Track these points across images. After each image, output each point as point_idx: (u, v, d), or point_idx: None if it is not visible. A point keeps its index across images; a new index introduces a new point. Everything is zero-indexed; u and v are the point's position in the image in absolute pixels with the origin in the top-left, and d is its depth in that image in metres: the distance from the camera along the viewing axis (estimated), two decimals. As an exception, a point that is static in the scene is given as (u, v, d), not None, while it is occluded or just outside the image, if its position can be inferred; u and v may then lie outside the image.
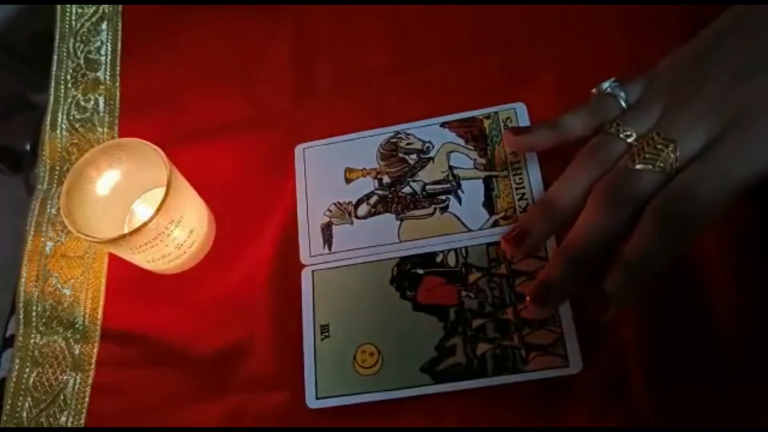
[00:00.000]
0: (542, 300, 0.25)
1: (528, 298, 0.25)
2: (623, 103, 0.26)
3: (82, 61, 0.41)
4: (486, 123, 0.34)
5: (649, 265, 0.23)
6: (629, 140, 0.24)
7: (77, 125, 0.39)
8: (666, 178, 0.23)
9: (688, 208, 0.22)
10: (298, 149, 0.36)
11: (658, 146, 0.23)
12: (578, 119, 0.27)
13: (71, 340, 0.34)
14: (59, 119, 0.39)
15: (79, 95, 0.40)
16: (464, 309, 0.30)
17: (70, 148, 0.39)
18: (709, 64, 0.24)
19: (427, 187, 0.33)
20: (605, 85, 0.27)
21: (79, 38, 0.41)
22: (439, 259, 0.32)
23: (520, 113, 0.34)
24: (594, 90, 0.27)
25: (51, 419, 0.32)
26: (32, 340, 0.34)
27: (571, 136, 0.27)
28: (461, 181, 0.33)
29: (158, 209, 0.29)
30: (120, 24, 0.42)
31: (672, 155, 0.23)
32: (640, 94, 0.26)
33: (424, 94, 0.36)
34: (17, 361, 0.34)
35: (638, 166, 0.23)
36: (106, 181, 0.33)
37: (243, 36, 0.40)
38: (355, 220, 0.33)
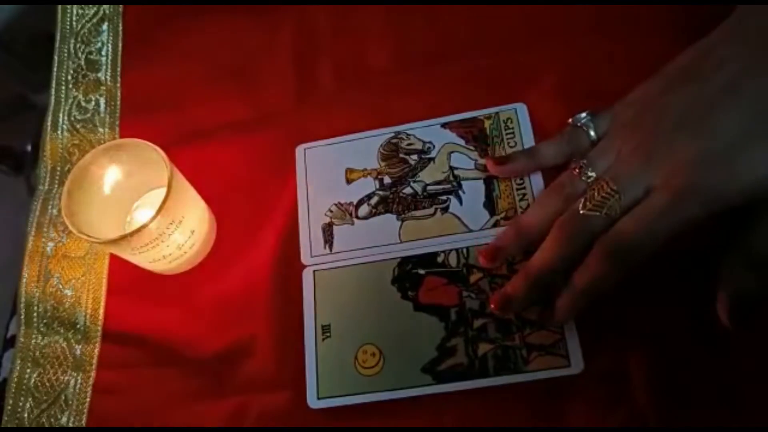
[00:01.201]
0: (503, 309, 0.29)
1: (492, 305, 0.30)
2: (593, 135, 0.30)
3: (82, 62, 0.41)
4: (487, 123, 0.34)
5: (591, 291, 0.27)
6: (589, 181, 0.29)
7: (78, 126, 0.39)
8: (611, 221, 0.27)
9: (624, 251, 0.27)
10: (299, 149, 0.36)
11: (605, 195, 0.27)
12: (552, 149, 0.31)
13: (72, 341, 0.34)
14: (60, 120, 0.39)
15: (80, 96, 0.40)
16: (465, 309, 0.30)
17: (71, 149, 0.39)
18: (659, 112, 0.28)
19: (428, 187, 0.33)
20: (580, 117, 0.30)
21: (79, 39, 0.41)
22: (440, 259, 0.32)
23: (520, 113, 0.34)
24: (570, 120, 0.31)
25: (52, 420, 0.32)
26: (33, 341, 0.34)
27: (546, 164, 0.32)
28: (462, 182, 0.33)
29: (159, 210, 0.29)
30: (120, 25, 0.42)
31: (616, 204, 0.27)
32: (605, 130, 0.30)
33: (424, 94, 0.36)
34: (18, 361, 0.34)
35: (587, 212, 0.28)
36: (107, 181, 0.33)
37: (244, 36, 0.40)
38: (356, 220, 0.33)
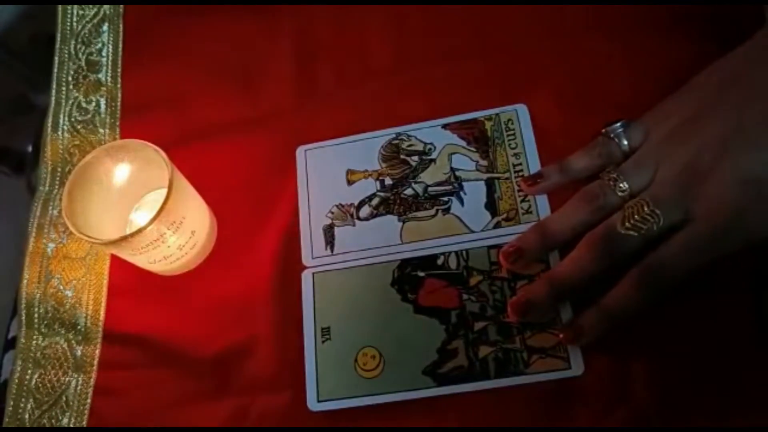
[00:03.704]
0: (520, 315, 0.29)
1: (509, 309, 0.29)
2: (625, 147, 0.30)
3: (83, 63, 0.41)
4: (487, 124, 0.34)
5: (621, 315, 0.27)
6: (622, 195, 0.28)
7: (79, 127, 0.39)
8: (646, 242, 0.27)
9: (660, 279, 0.27)
10: (300, 151, 0.36)
11: (645, 216, 0.27)
12: (583, 162, 0.31)
13: (73, 342, 0.34)
14: (61, 121, 0.39)
15: (81, 97, 0.40)
16: (466, 312, 0.30)
17: (72, 150, 0.39)
18: (699, 136, 0.27)
19: (429, 188, 0.33)
20: (613, 128, 0.30)
21: (80, 40, 0.41)
22: (440, 261, 0.31)
23: (521, 115, 0.34)
24: (603, 130, 0.30)
25: (53, 421, 0.32)
26: (34, 342, 0.34)
27: (578, 176, 0.31)
28: (463, 183, 0.33)
29: (160, 211, 0.29)
30: (121, 25, 0.42)
31: (655, 227, 0.27)
32: (640, 142, 0.29)
33: (425, 95, 0.36)
34: (19, 362, 0.34)
35: (625, 231, 0.27)
36: (107, 182, 0.33)
37: (244, 37, 0.40)
38: (357, 221, 0.33)
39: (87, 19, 0.42)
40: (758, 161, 0.26)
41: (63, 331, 0.34)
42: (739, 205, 0.26)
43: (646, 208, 0.27)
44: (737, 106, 0.27)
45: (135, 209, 0.35)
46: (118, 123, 0.39)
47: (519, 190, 0.32)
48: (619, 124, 0.30)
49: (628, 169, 0.29)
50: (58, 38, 0.42)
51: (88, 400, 0.32)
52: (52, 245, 0.36)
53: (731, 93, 0.27)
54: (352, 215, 0.33)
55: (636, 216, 0.27)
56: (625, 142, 0.30)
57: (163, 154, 0.31)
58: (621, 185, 0.28)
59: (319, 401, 0.30)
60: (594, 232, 0.28)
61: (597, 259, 0.28)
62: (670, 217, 0.27)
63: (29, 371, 0.33)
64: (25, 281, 0.35)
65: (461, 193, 0.33)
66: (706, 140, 0.27)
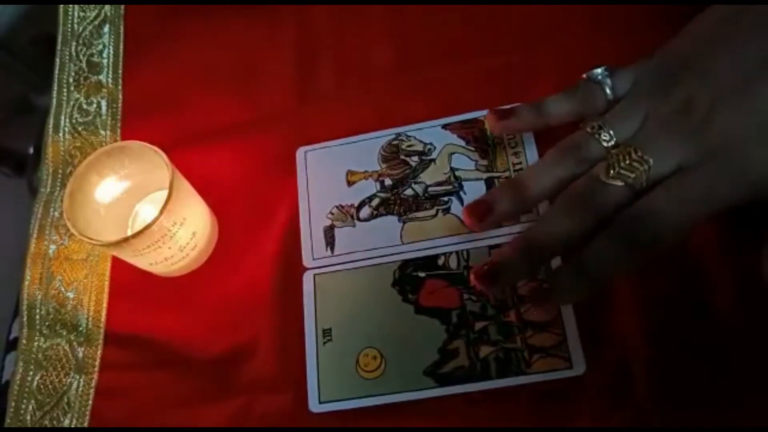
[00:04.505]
0: (487, 280, 0.25)
1: (472, 276, 0.26)
2: (609, 94, 0.26)
3: (84, 64, 0.41)
4: (487, 124, 0.34)
5: (600, 273, 0.24)
6: (607, 145, 0.25)
7: (80, 128, 0.39)
8: (634, 193, 0.24)
9: (648, 231, 0.23)
10: (300, 152, 0.36)
11: (634, 164, 0.24)
12: (563, 105, 0.28)
13: (75, 343, 0.34)
14: (62, 122, 0.39)
15: (82, 98, 0.40)
16: (466, 312, 0.30)
17: (73, 151, 0.39)
18: (696, 78, 0.24)
19: (429, 188, 0.33)
20: (595, 72, 0.27)
21: (81, 41, 0.42)
22: (440, 261, 0.31)
23: (522, 114, 0.34)
24: (584, 75, 0.27)
25: (54, 422, 0.32)
26: (36, 343, 0.34)
27: (554, 122, 0.28)
28: (463, 183, 0.33)
29: (161, 212, 0.29)
30: (122, 27, 0.42)
31: (644, 175, 0.24)
32: (627, 90, 0.26)
33: (425, 95, 0.36)
34: (21, 364, 0.34)
35: (610, 181, 0.24)
36: (108, 183, 0.33)
37: (245, 38, 0.40)
38: (357, 222, 0.33)
39: (88, 20, 0.42)
40: (765, 99, 0.23)
41: (64, 333, 0.34)
42: (744, 147, 0.23)
43: (634, 155, 0.24)
44: (736, 45, 0.24)
45: (136, 211, 0.35)
46: (119, 124, 0.39)
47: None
48: (601, 69, 0.27)
49: (613, 117, 0.25)
50: (59, 40, 0.42)
51: (90, 402, 0.32)
52: (53, 247, 0.36)
53: (729, 32, 0.24)
54: (352, 216, 0.33)
55: (622, 163, 0.24)
56: (609, 89, 0.26)
57: (164, 155, 0.31)
58: (605, 134, 0.25)
59: (320, 402, 0.30)
60: (574, 184, 0.25)
61: (577, 216, 0.24)
62: (663, 165, 0.24)
63: (31, 372, 0.34)
64: (26, 282, 0.36)
65: (461, 192, 0.33)
66: (706, 78, 0.24)
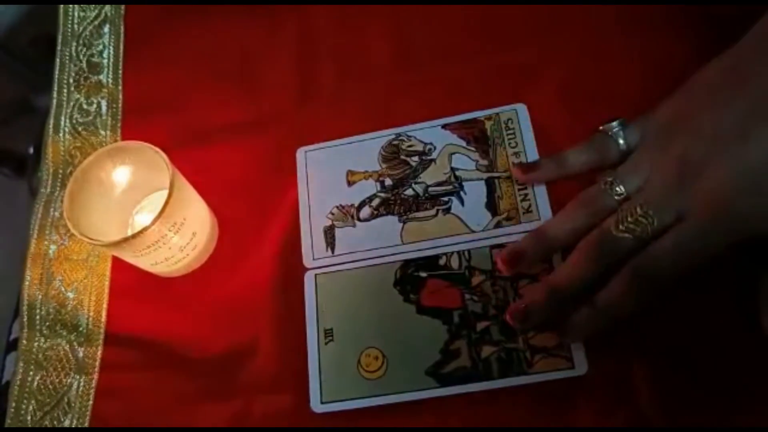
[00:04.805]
0: (520, 321, 0.29)
1: (508, 316, 0.29)
2: (622, 145, 0.30)
3: (84, 65, 0.41)
4: (487, 124, 0.34)
5: (613, 313, 0.27)
6: (618, 198, 0.29)
7: (80, 128, 0.39)
8: (641, 243, 0.27)
9: (654, 277, 0.27)
10: (300, 152, 0.36)
11: (639, 218, 0.27)
12: (580, 157, 0.31)
13: (75, 343, 0.34)
14: (62, 123, 0.39)
15: (82, 98, 0.40)
16: (468, 312, 0.30)
17: (73, 152, 0.39)
18: (689, 135, 0.27)
19: (430, 188, 0.33)
20: (611, 126, 0.30)
21: (81, 42, 0.42)
22: (442, 261, 0.31)
23: (521, 114, 0.34)
24: (600, 128, 0.31)
25: (55, 422, 0.32)
26: (36, 344, 0.34)
27: (573, 172, 0.31)
28: (463, 183, 0.33)
29: (161, 212, 0.29)
30: (122, 27, 0.42)
31: (649, 228, 0.27)
32: (636, 142, 0.30)
33: (425, 95, 0.36)
34: (21, 364, 0.34)
35: (620, 234, 0.27)
36: (109, 184, 0.33)
37: (245, 38, 0.40)
38: (357, 222, 0.33)
39: (88, 20, 0.42)
40: (753, 153, 0.25)
41: (65, 333, 0.34)
42: (733, 198, 0.26)
43: (639, 210, 0.27)
44: (728, 101, 0.27)
45: (136, 211, 0.35)
46: (119, 125, 0.39)
47: (514, 180, 0.32)
48: (616, 123, 0.30)
49: (623, 172, 0.29)
50: (59, 40, 0.42)
51: (90, 402, 0.32)
52: (53, 247, 0.36)
53: (723, 88, 0.27)
54: (352, 216, 0.33)
55: (629, 218, 0.27)
56: (622, 141, 0.30)
57: (164, 155, 0.31)
58: (617, 189, 0.29)
59: (322, 402, 0.29)
60: (589, 236, 0.28)
61: (592, 263, 0.28)
62: (663, 218, 0.27)
63: (31, 373, 0.33)
64: (26, 283, 0.35)
65: (461, 192, 0.33)
66: (698, 135, 0.27)
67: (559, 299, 0.28)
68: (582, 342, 0.28)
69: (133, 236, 0.29)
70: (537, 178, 0.32)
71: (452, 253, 0.32)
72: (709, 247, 0.26)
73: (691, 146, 0.27)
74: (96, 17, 0.42)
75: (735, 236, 0.26)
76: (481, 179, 0.33)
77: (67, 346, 0.34)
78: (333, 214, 0.34)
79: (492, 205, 0.32)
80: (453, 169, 0.33)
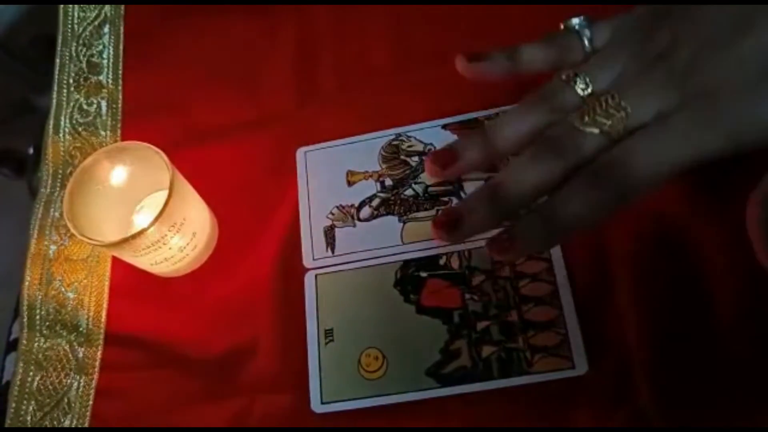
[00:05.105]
0: (449, 230, 0.23)
1: (432, 225, 0.24)
2: (587, 44, 0.25)
3: (84, 65, 0.41)
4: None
5: (567, 222, 0.22)
6: (582, 93, 0.24)
7: (80, 129, 0.39)
8: (609, 142, 0.22)
9: (620, 178, 0.22)
10: (300, 152, 0.36)
11: (610, 110, 0.22)
12: (538, 53, 0.26)
13: (75, 344, 0.34)
14: (62, 123, 0.39)
15: (82, 99, 0.40)
16: (468, 312, 0.30)
17: (73, 152, 0.39)
18: (682, 23, 0.23)
19: (429, 188, 0.33)
20: (573, 21, 0.26)
21: (81, 42, 0.42)
22: (442, 261, 0.31)
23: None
24: (562, 25, 0.26)
25: (55, 422, 0.32)
26: (36, 344, 0.34)
27: (528, 69, 0.26)
28: (463, 183, 0.33)
29: (161, 212, 0.29)
30: (122, 27, 0.42)
31: (621, 123, 0.22)
32: (607, 40, 0.25)
33: (425, 96, 0.36)
34: (21, 364, 0.34)
35: (585, 128, 0.22)
36: (109, 184, 0.33)
37: (245, 38, 0.40)
38: (357, 222, 0.33)
39: (88, 21, 0.42)
40: (761, 41, 0.21)
41: (65, 333, 0.34)
42: (728, 94, 0.21)
43: (611, 101, 0.22)
44: (714, 11, 0.22)
45: (136, 211, 0.35)
46: (119, 125, 0.39)
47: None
48: (580, 18, 0.25)
49: (590, 65, 0.24)
50: (59, 40, 0.42)
51: (90, 402, 0.32)
52: (53, 247, 0.36)
53: None
54: (352, 216, 0.33)
55: (598, 110, 0.22)
56: (587, 39, 0.25)
57: (164, 155, 0.31)
58: (581, 83, 0.23)
59: (323, 403, 0.29)
60: (547, 133, 0.23)
61: (549, 162, 0.22)
62: (641, 112, 0.22)
63: (31, 373, 0.33)
64: (26, 283, 0.35)
65: (461, 193, 0.33)
66: (690, 26, 0.23)
67: (503, 207, 0.23)
68: (527, 253, 0.23)
69: (133, 236, 0.29)
70: (483, 69, 0.26)
71: (452, 253, 0.32)
72: (690, 147, 0.22)
73: (683, 34, 0.22)
74: (96, 17, 0.42)
75: (720, 140, 0.22)
76: (481, 179, 0.33)
77: (67, 346, 0.34)
78: (333, 214, 0.34)
79: (492, 205, 0.32)
80: (453, 169, 0.33)
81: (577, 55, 0.26)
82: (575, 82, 0.24)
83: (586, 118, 0.22)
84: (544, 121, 0.24)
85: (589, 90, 0.24)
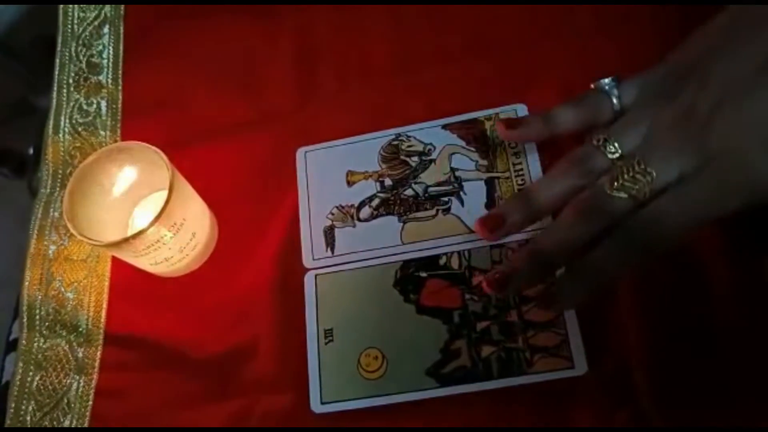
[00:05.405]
0: (499, 288, 0.26)
1: (485, 283, 0.27)
2: (616, 104, 0.27)
3: (84, 65, 0.41)
4: (487, 124, 0.34)
5: (603, 276, 0.25)
6: (612, 157, 0.26)
7: (80, 129, 0.39)
8: (637, 204, 0.25)
9: (649, 239, 0.24)
10: (300, 153, 0.36)
11: (637, 176, 0.25)
12: (570, 115, 0.28)
13: (74, 344, 0.34)
14: (62, 123, 0.39)
15: (82, 99, 0.40)
16: (468, 311, 0.30)
17: (73, 152, 0.39)
18: (697, 85, 0.25)
19: (429, 189, 0.33)
20: (603, 82, 0.28)
21: (81, 42, 0.42)
22: (442, 261, 0.31)
23: (521, 114, 0.34)
24: (592, 85, 0.28)
25: (54, 422, 0.32)
26: (35, 344, 0.34)
27: (562, 131, 0.29)
28: (463, 183, 0.33)
29: (160, 212, 0.29)
30: (122, 27, 0.42)
31: (647, 187, 0.24)
32: (635, 98, 0.27)
33: (425, 96, 0.36)
34: (20, 364, 0.34)
35: (614, 193, 0.25)
36: (108, 184, 0.33)
37: (245, 38, 0.40)
38: (357, 222, 0.33)
39: (88, 21, 0.42)
40: (764, 102, 0.23)
41: (64, 333, 0.34)
42: (747, 153, 0.23)
43: (637, 167, 0.24)
44: (744, 45, 0.24)
45: (136, 211, 0.35)
46: (119, 125, 0.39)
47: (519, 189, 0.32)
48: (609, 79, 0.28)
49: (618, 130, 0.26)
50: (59, 40, 0.42)
51: (90, 402, 0.32)
52: (53, 247, 0.36)
53: (739, 31, 0.24)
54: (352, 216, 0.33)
55: (626, 176, 0.25)
56: (616, 99, 0.27)
57: (164, 155, 0.31)
58: (611, 147, 0.26)
59: (322, 403, 0.29)
60: (580, 196, 0.26)
61: (582, 225, 0.25)
62: (664, 176, 0.24)
63: (30, 373, 0.33)
64: (26, 283, 0.35)
65: (461, 193, 0.33)
66: (707, 84, 0.24)
67: (544, 264, 0.26)
68: (570, 309, 0.26)
69: (133, 236, 0.29)
70: (521, 135, 0.29)
71: (452, 253, 0.32)
72: (713, 205, 0.23)
73: (698, 96, 0.24)
74: (96, 18, 0.42)
75: (741, 195, 0.23)
76: (481, 179, 0.33)
77: (67, 346, 0.34)
78: (333, 214, 0.34)
79: (492, 206, 0.32)
80: (453, 170, 0.33)
81: (607, 114, 0.28)
82: (605, 147, 0.26)
83: (616, 184, 0.25)
84: (578, 184, 0.26)
85: (618, 154, 0.26)
